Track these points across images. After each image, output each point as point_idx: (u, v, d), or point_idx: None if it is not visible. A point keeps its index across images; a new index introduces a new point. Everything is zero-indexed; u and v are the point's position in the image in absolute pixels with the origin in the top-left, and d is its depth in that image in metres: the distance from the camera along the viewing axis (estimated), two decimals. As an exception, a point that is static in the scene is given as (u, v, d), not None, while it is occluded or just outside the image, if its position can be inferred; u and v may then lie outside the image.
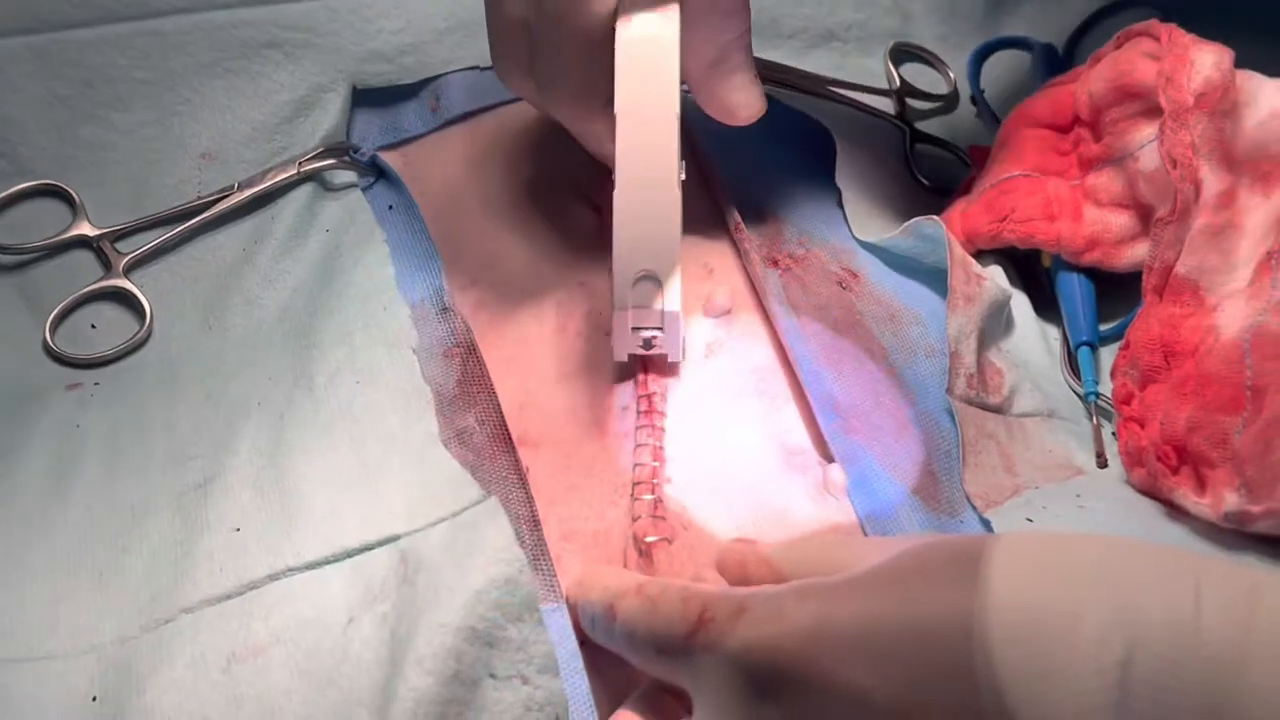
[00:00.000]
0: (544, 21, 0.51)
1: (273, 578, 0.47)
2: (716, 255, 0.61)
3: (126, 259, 0.59)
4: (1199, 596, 0.33)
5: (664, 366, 0.55)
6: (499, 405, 0.52)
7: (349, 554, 0.48)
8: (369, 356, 0.54)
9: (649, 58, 0.50)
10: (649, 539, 0.50)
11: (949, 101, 0.71)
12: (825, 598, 0.38)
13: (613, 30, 0.51)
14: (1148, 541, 0.36)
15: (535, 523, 0.49)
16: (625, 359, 0.54)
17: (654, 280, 0.51)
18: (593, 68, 0.52)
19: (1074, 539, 0.36)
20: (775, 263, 0.59)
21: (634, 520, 0.51)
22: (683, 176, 0.52)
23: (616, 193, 0.50)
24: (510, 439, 0.51)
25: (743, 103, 0.55)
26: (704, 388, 0.56)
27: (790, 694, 0.37)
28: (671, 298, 0.51)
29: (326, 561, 0.47)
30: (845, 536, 0.51)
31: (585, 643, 0.46)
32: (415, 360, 0.53)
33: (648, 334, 0.52)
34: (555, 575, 0.48)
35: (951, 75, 0.71)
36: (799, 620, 0.37)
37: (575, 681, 0.45)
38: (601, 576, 0.46)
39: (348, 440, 0.51)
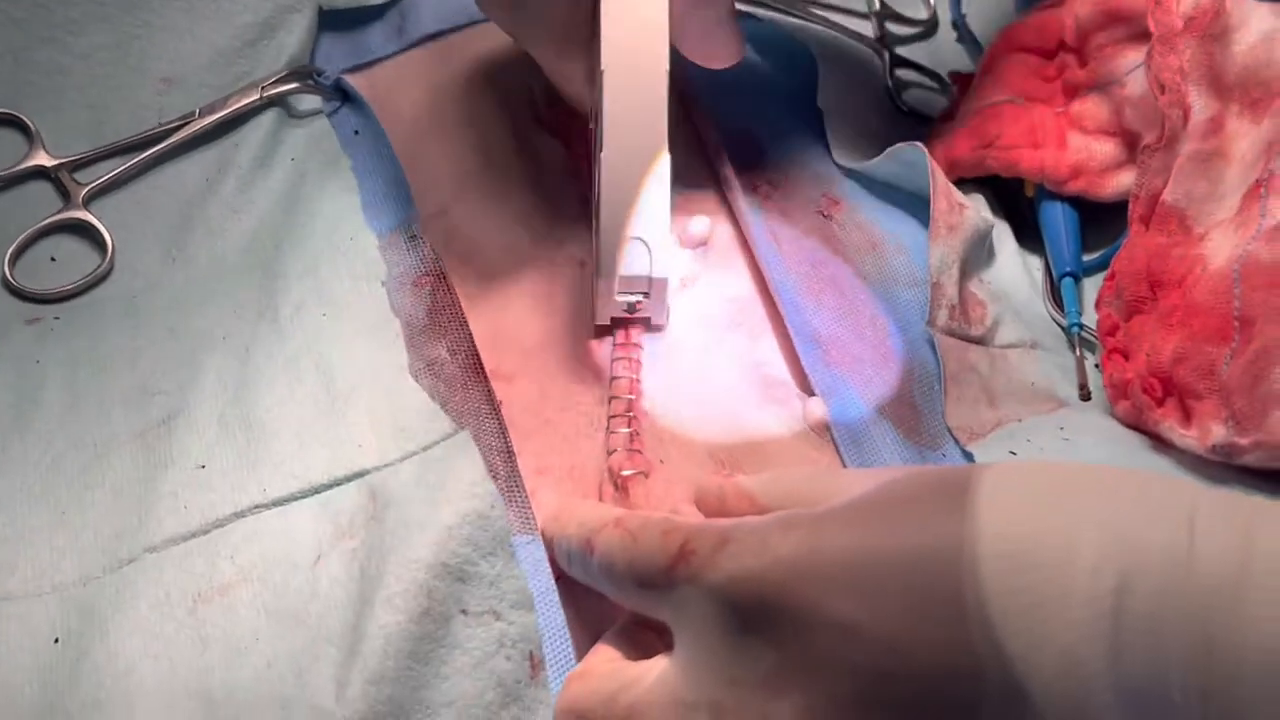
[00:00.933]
0: None
1: (239, 515, 0.46)
2: (695, 181, 0.59)
3: (86, 189, 0.57)
4: (1193, 525, 0.32)
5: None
6: (470, 334, 0.51)
7: (316, 490, 0.46)
8: (335, 288, 0.52)
9: (637, 12, 0.48)
10: (625, 473, 0.49)
11: (929, 26, 0.69)
12: (811, 528, 0.36)
13: None
14: (1140, 470, 0.35)
15: (509, 454, 0.48)
16: (607, 322, 0.53)
17: (642, 243, 0.49)
18: (576, 7, 0.50)
19: (1065, 468, 0.35)
20: (755, 189, 0.58)
21: (610, 454, 0.50)
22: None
23: (604, 155, 0.48)
24: (483, 369, 0.50)
25: (722, 48, 0.53)
26: (681, 319, 0.54)
27: (776, 626, 0.36)
28: (661, 264, 0.49)
29: (294, 498, 0.46)
30: (826, 469, 0.50)
31: (561, 578, 0.45)
32: (384, 292, 0.52)
33: (631, 299, 0.51)
34: (530, 507, 0.47)
35: (932, 0, 0.69)
36: (784, 551, 0.36)
37: (551, 614, 0.44)
38: (578, 510, 0.44)
39: (314, 372, 0.50)
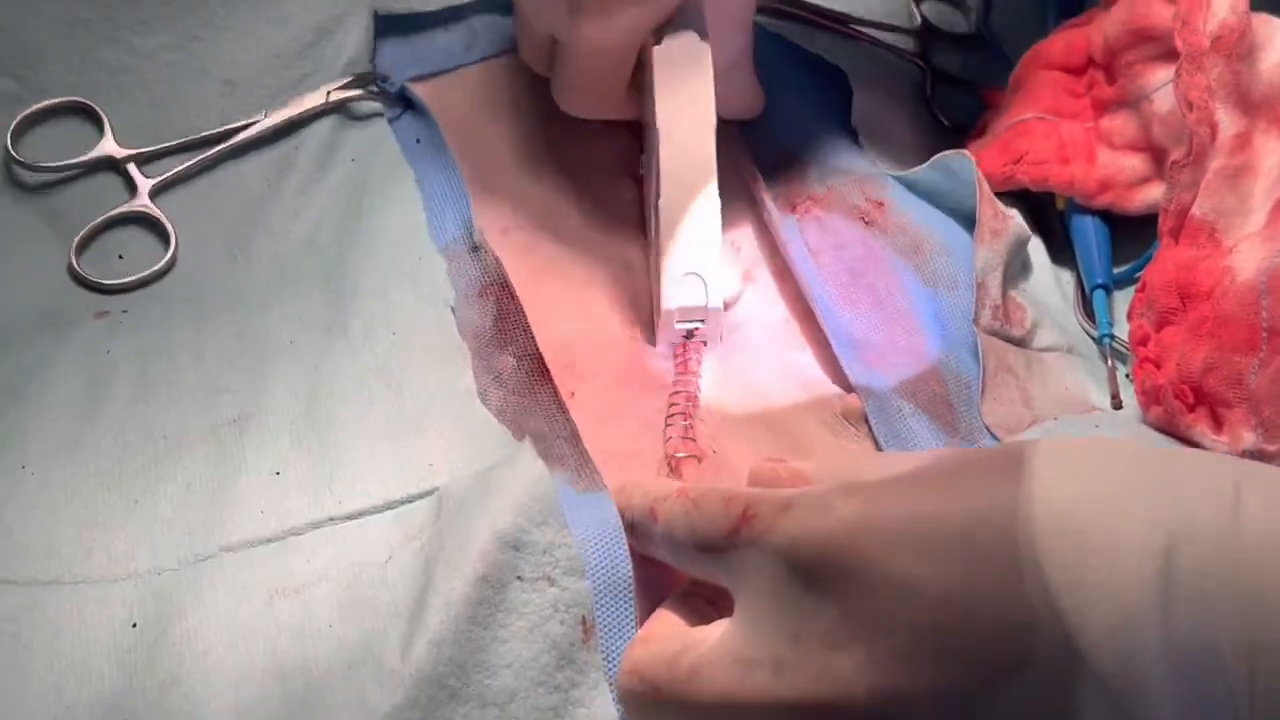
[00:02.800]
0: (570, 47, 0.54)
1: (315, 526, 0.46)
2: (733, 210, 0.59)
3: (153, 183, 0.57)
4: (1239, 492, 0.33)
5: None
6: (534, 339, 0.51)
7: (390, 505, 0.47)
8: (404, 311, 0.52)
9: (687, 76, 0.53)
10: (679, 454, 0.50)
11: (971, 41, 0.69)
12: (871, 493, 0.37)
13: (632, 56, 0.54)
14: (1184, 448, 0.35)
15: (577, 439, 0.49)
16: (666, 348, 0.55)
17: (698, 278, 0.52)
18: (614, 79, 0.55)
19: (1115, 442, 0.36)
20: (794, 208, 0.58)
21: (666, 442, 0.51)
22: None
23: (661, 202, 0.52)
24: (548, 373, 0.51)
25: (748, 101, 0.59)
26: (730, 347, 0.55)
27: (837, 584, 0.36)
28: (715, 295, 0.52)
29: (369, 512, 0.47)
30: (876, 453, 0.51)
31: (636, 560, 0.45)
32: (451, 316, 0.52)
33: (690, 325, 0.53)
34: (598, 473, 0.48)
35: (973, 16, 0.70)
36: (846, 513, 0.37)
37: (616, 566, 0.44)
38: (642, 483, 0.45)
39: (385, 392, 0.50)
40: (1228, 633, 0.31)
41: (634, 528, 0.44)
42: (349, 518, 0.46)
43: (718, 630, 0.40)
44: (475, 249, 0.54)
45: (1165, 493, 0.33)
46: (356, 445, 0.48)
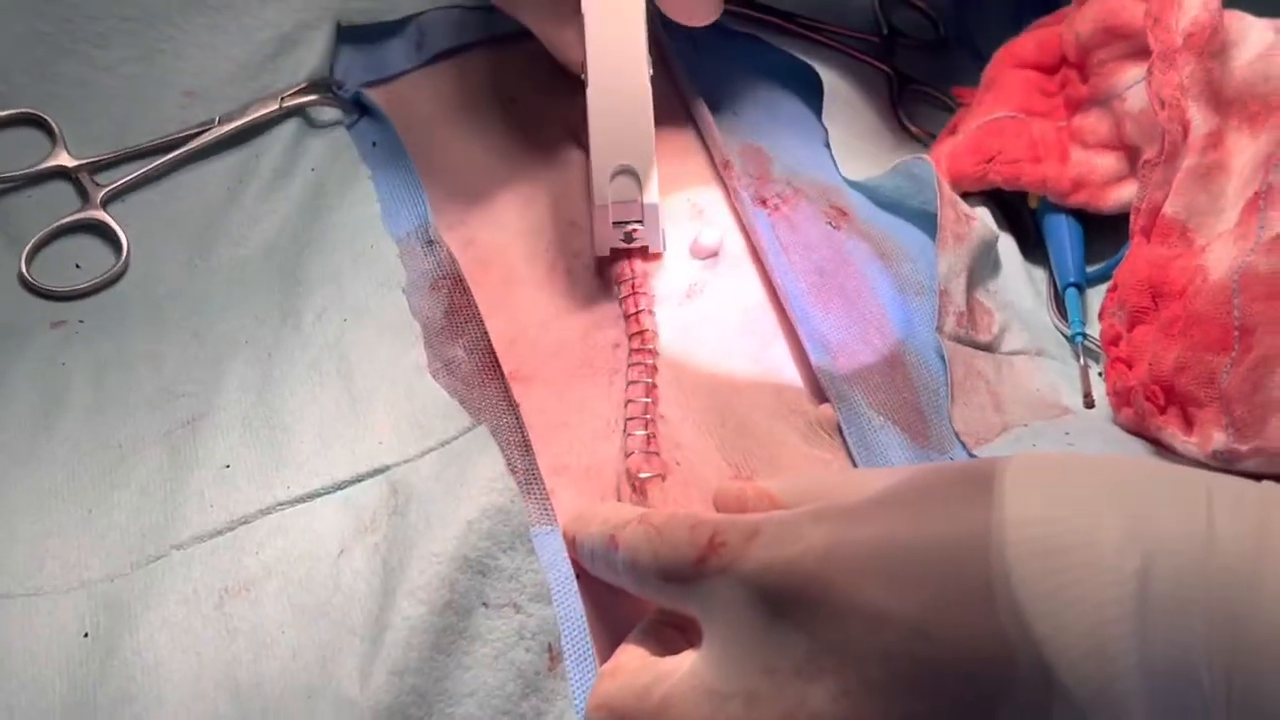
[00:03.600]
0: None
1: (264, 512, 0.45)
2: (705, 195, 0.59)
3: (104, 191, 0.56)
4: (1211, 507, 0.32)
5: (648, 278, 0.54)
6: (486, 333, 0.50)
7: (339, 486, 0.46)
8: (356, 294, 0.52)
9: None
10: (643, 475, 0.49)
11: (938, 47, 0.68)
12: (840, 519, 0.36)
13: None
14: (1153, 459, 0.34)
15: (527, 448, 0.48)
16: (607, 253, 0.54)
17: (632, 174, 0.51)
18: None
19: (1083, 458, 0.36)
20: (764, 202, 0.57)
21: (627, 456, 0.49)
22: (650, 72, 0.52)
23: (589, 90, 0.50)
24: (499, 366, 0.50)
25: (700, 6, 0.55)
26: (694, 327, 0.54)
27: (808, 613, 0.36)
28: (650, 190, 0.51)
29: (316, 494, 0.46)
30: (845, 470, 0.50)
31: (580, 574, 0.45)
32: (403, 298, 0.52)
33: (628, 227, 0.52)
34: (548, 499, 0.47)
35: (941, 21, 0.69)
36: (815, 541, 0.36)
37: (570, 604, 0.44)
38: (600, 510, 0.44)
39: (335, 375, 0.49)
40: (1204, 650, 0.31)
41: (593, 557, 0.43)
42: (298, 501, 0.46)
43: (687, 661, 0.39)
44: (430, 243, 0.53)
45: (1137, 510, 0.33)
46: (305, 430, 0.48)
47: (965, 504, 0.34)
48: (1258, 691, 0.31)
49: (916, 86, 0.66)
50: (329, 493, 0.46)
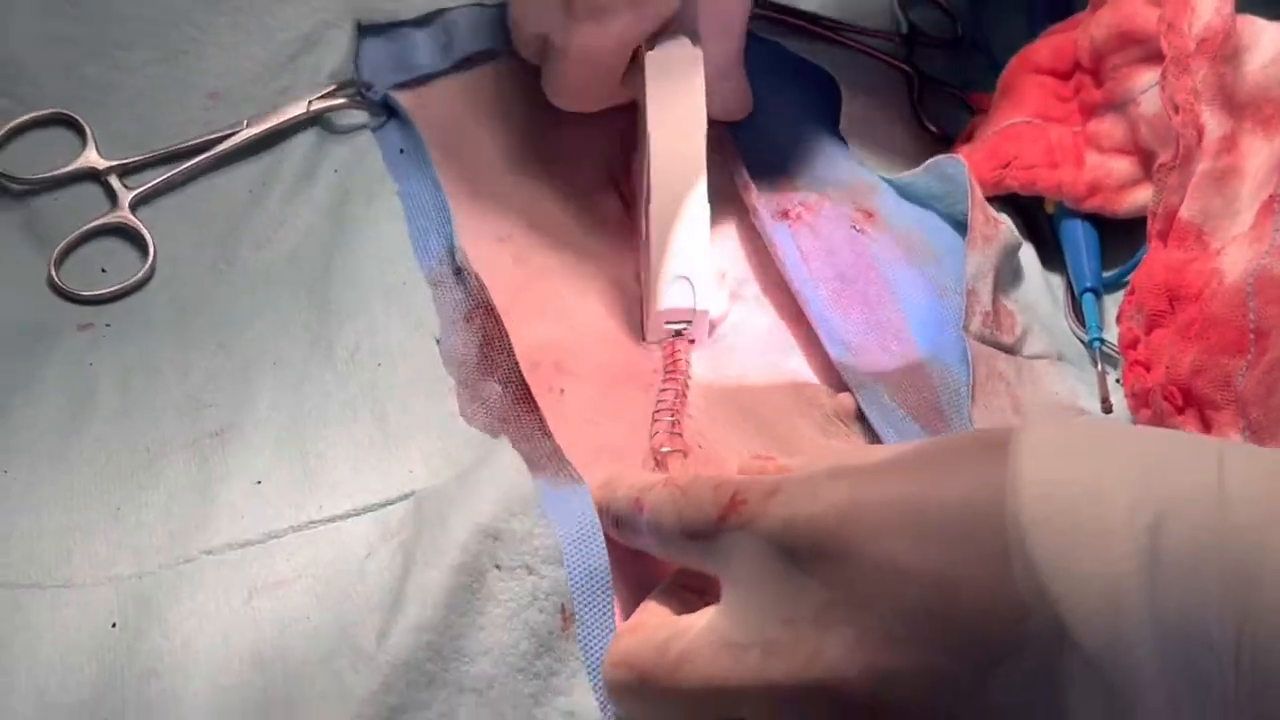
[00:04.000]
0: (563, 51, 0.54)
1: (295, 529, 0.46)
2: (723, 219, 0.59)
3: (133, 194, 0.56)
4: (1223, 469, 0.33)
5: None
6: (518, 365, 0.51)
7: (369, 509, 0.47)
8: (389, 336, 0.52)
9: (678, 83, 0.53)
10: (665, 450, 0.50)
11: (957, 46, 0.68)
12: (859, 477, 0.37)
13: (624, 59, 0.54)
14: (1167, 429, 0.35)
15: (559, 453, 0.48)
16: (657, 341, 0.55)
17: (687, 281, 0.53)
18: (607, 79, 0.55)
19: (1098, 424, 0.38)
20: (785, 214, 0.57)
21: (653, 437, 0.51)
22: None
23: (651, 208, 0.53)
24: (533, 397, 0.50)
25: (736, 102, 0.58)
26: (722, 359, 0.55)
27: (827, 567, 0.36)
28: (703, 298, 0.53)
29: (348, 516, 0.46)
30: (862, 445, 0.51)
31: (608, 542, 0.45)
32: (435, 346, 0.52)
33: (678, 325, 0.54)
34: (578, 473, 0.47)
35: (960, 21, 0.69)
36: (835, 497, 0.37)
37: (594, 557, 0.44)
38: (626, 475, 0.45)
39: (370, 416, 0.50)
40: (1215, 608, 0.31)
41: (619, 520, 0.44)
42: (329, 520, 0.46)
43: (706, 616, 0.39)
44: (459, 271, 0.53)
45: (1150, 471, 0.33)
46: (339, 459, 0.48)
47: (983, 465, 0.35)
48: (1267, 651, 0.31)
49: (937, 86, 0.66)
50: (358, 515, 0.46)
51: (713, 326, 0.55)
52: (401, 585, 0.42)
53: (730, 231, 0.59)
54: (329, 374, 0.51)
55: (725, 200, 0.59)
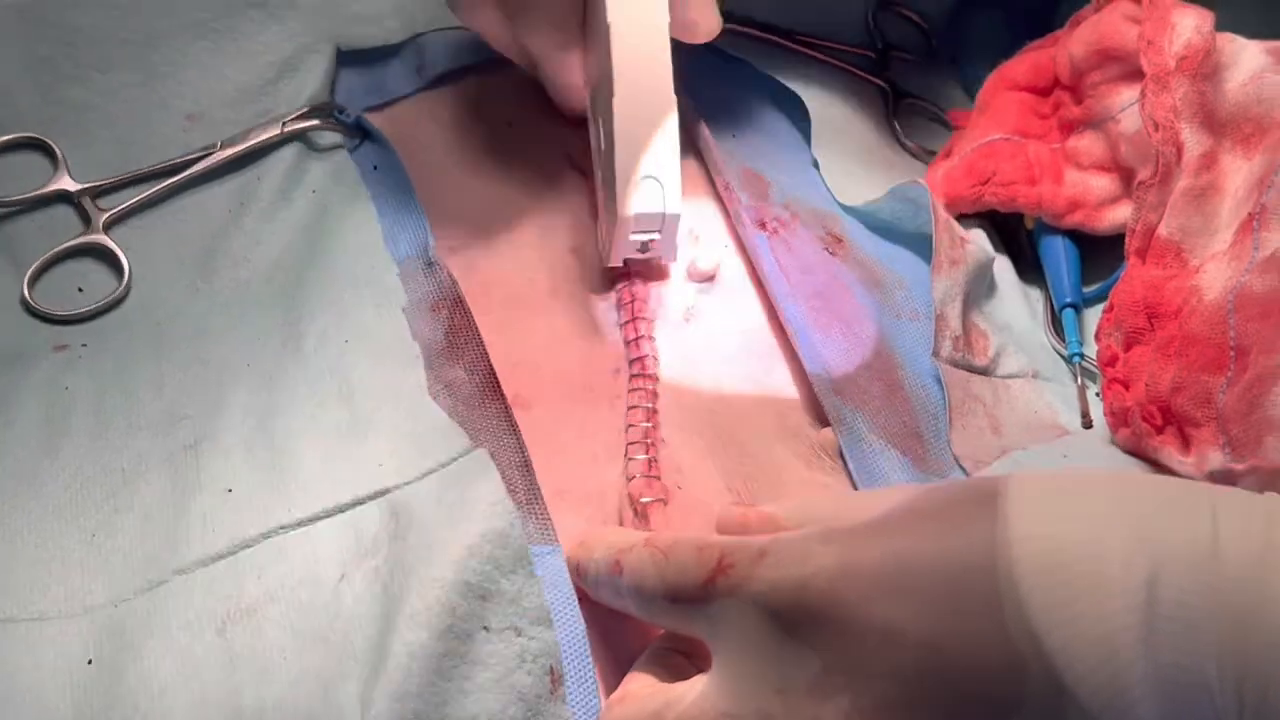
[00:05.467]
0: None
1: (265, 536, 0.45)
2: (703, 219, 0.58)
3: (107, 215, 0.55)
4: (1216, 519, 0.32)
5: (647, 303, 0.54)
6: (486, 354, 0.50)
7: (340, 509, 0.46)
8: (358, 316, 0.52)
9: None
10: (644, 499, 0.48)
11: (931, 59, 0.68)
12: (849, 539, 0.36)
13: None
14: (1156, 475, 0.34)
15: (527, 468, 0.47)
16: (621, 263, 0.53)
17: (655, 181, 0.49)
18: None
19: (1087, 474, 0.36)
20: (763, 225, 0.57)
21: (628, 480, 0.49)
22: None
23: (616, 100, 0.49)
24: (499, 387, 0.49)
25: (701, 20, 0.54)
26: (693, 351, 0.54)
27: (820, 632, 0.35)
28: (673, 200, 0.50)
29: (318, 518, 0.45)
30: (847, 493, 0.50)
31: (584, 600, 0.44)
32: (404, 318, 0.51)
33: (645, 238, 0.51)
34: (549, 519, 0.46)
35: (935, 35, 0.69)
36: (825, 561, 0.36)
37: (572, 625, 0.43)
38: (605, 535, 0.44)
39: (336, 396, 0.49)
40: (1213, 658, 0.31)
41: (598, 583, 0.43)
42: (299, 524, 0.45)
43: (698, 685, 0.38)
44: (430, 265, 0.53)
45: (1143, 524, 0.33)
46: (306, 452, 0.47)
47: (972, 521, 0.34)
48: (1269, 699, 0.30)
49: (912, 100, 0.65)
50: (330, 516, 0.45)
51: (710, 277, 0.53)
52: (384, 639, 0.41)
53: (715, 219, 0.58)
54: (296, 363, 0.50)
55: (708, 196, 0.59)
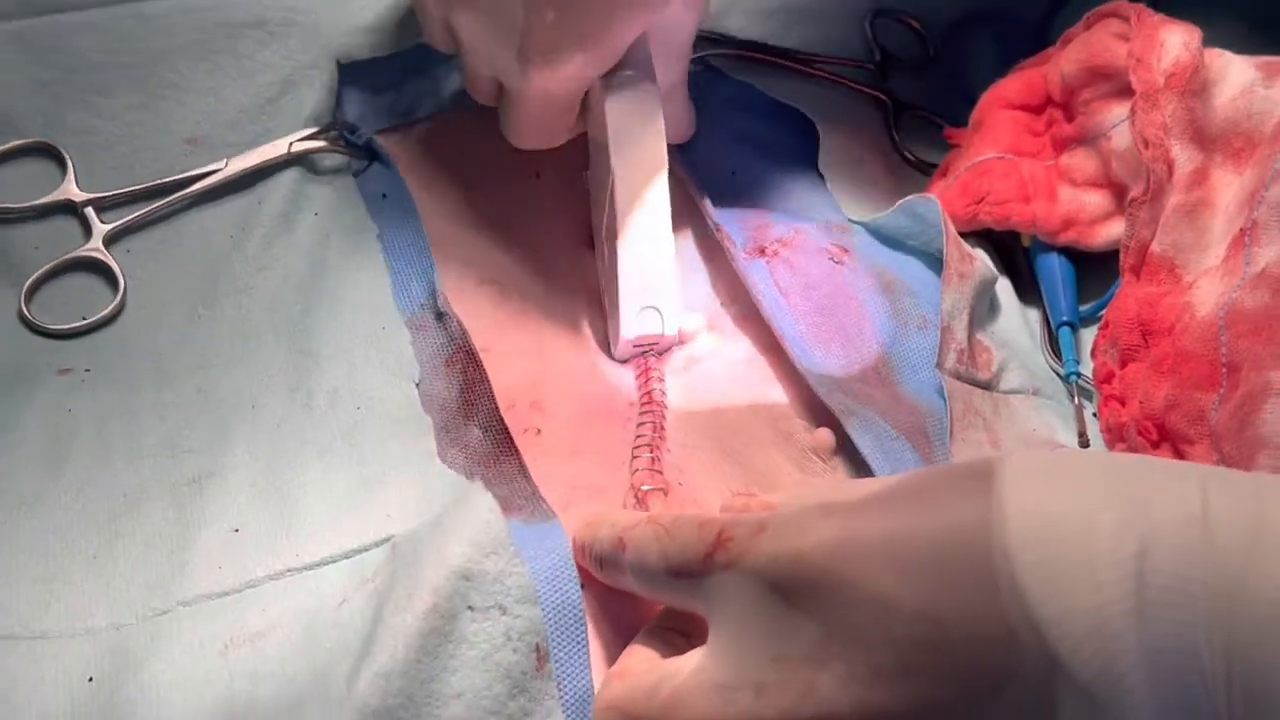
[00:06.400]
0: (519, 94, 0.53)
1: (272, 577, 0.45)
2: (698, 251, 0.59)
3: (108, 229, 0.55)
4: (1205, 493, 0.33)
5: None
6: (498, 409, 0.50)
7: (347, 555, 0.46)
8: (368, 381, 0.52)
9: (638, 123, 0.52)
10: (645, 487, 0.49)
11: (930, 67, 0.67)
12: (847, 513, 0.36)
13: (578, 98, 0.53)
14: (1146, 455, 0.34)
15: (536, 497, 0.47)
16: (626, 359, 0.55)
17: (656, 311, 0.53)
18: (565, 116, 0.54)
19: (1079, 454, 0.37)
20: (762, 251, 0.57)
21: (632, 474, 0.50)
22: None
23: (620, 243, 0.52)
24: (513, 442, 0.49)
25: (681, 124, 0.58)
26: (697, 388, 0.54)
27: (818, 603, 0.35)
28: (670, 323, 0.54)
29: (326, 563, 0.46)
30: (845, 480, 0.50)
31: (589, 584, 0.44)
32: (415, 390, 0.51)
33: (646, 347, 0.55)
34: (553, 511, 0.46)
35: (931, 43, 0.68)
36: (823, 533, 0.36)
37: (568, 594, 0.43)
38: (609, 514, 0.44)
39: (348, 460, 0.49)
40: (1203, 632, 0.31)
41: (602, 560, 0.43)
42: (306, 568, 0.45)
43: (695, 658, 0.39)
44: (440, 315, 0.53)
45: (1134, 499, 0.33)
46: (315, 504, 0.47)
47: (967, 497, 0.34)
48: (1256, 675, 0.31)
49: (914, 112, 0.65)
50: (336, 561, 0.46)
51: (686, 340, 0.55)
52: (373, 629, 0.42)
53: (704, 266, 0.58)
54: (307, 418, 0.50)
55: (702, 236, 0.59)
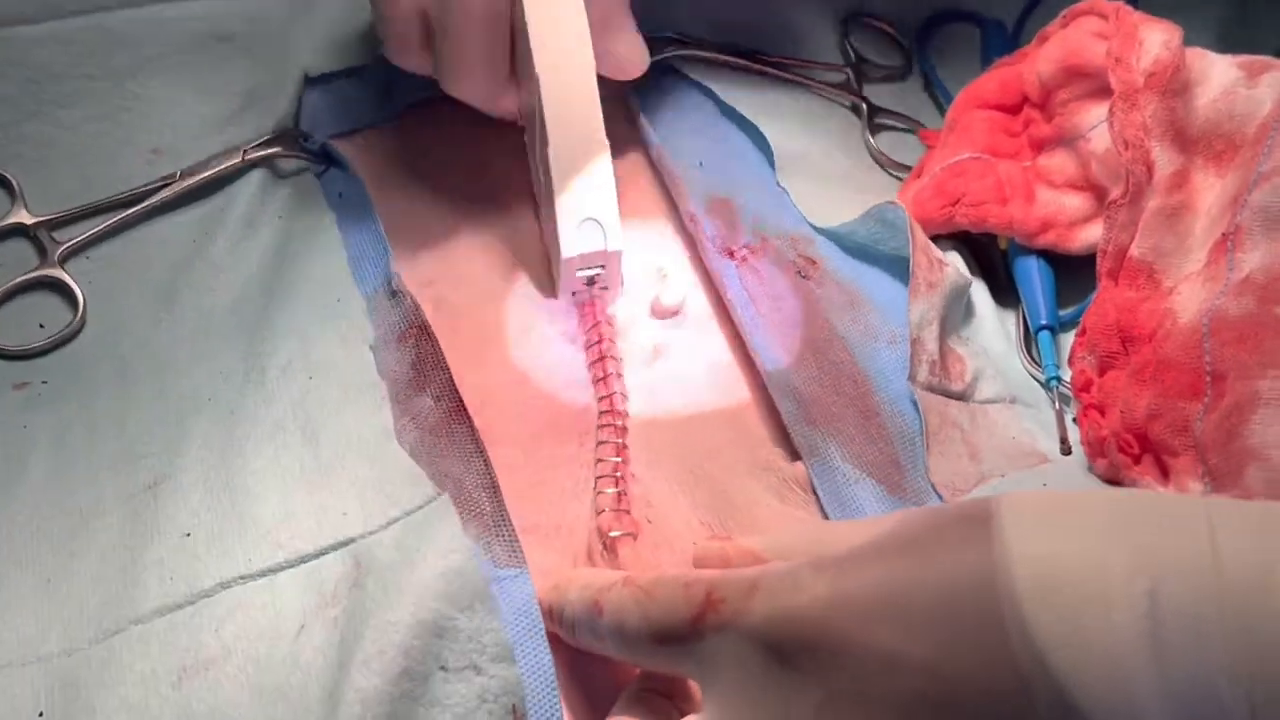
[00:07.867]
0: (446, 9, 0.50)
1: (224, 586, 0.43)
2: (670, 254, 0.57)
3: (63, 248, 0.53)
4: (1213, 528, 0.31)
5: (615, 342, 0.52)
6: (451, 378, 0.48)
7: (302, 559, 0.43)
8: (322, 349, 0.50)
9: (560, 18, 0.49)
10: (613, 534, 0.46)
11: (904, 71, 0.66)
12: (841, 567, 0.35)
13: (508, 8, 0.50)
14: (1148, 491, 0.33)
15: (494, 489, 0.45)
16: (570, 298, 0.52)
17: (595, 223, 0.49)
18: (494, 44, 0.51)
19: (1077, 494, 0.35)
20: (731, 254, 0.55)
21: (597, 514, 0.47)
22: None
23: (551, 149, 0.49)
24: (466, 411, 0.47)
25: (628, 56, 0.55)
26: (662, 388, 0.52)
27: (819, 662, 0.34)
28: (614, 238, 0.50)
29: (279, 569, 0.43)
30: (826, 524, 0.48)
31: (560, 647, 0.42)
32: (370, 355, 0.49)
33: (589, 274, 0.51)
34: (517, 540, 0.44)
35: (905, 45, 0.66)
36: (819, 590, 0.34)
37: (537, 655, 0.41)
38: (578, 576, 0.42)
39: (300, 435, 0.47)
40: (1222, 670, 0.30)
41: (575, 626, 0.41)
42: (260, 574, 0.43)
43: None
44: (395, 294, 0.51)
45: (1142, 539, 0.32)
46: (268, 494, 0.45)
47: (967, 544, 0.33)
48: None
49: (886, 116, 0.63)
50: (291, 566, 0.43)
51: (674, 312, 0.52)
52: (337, 687, 0.39)
53: (680, 253, 0.56)
54: (259, 398, 0.48)
55: (674, 229, 0.57)
